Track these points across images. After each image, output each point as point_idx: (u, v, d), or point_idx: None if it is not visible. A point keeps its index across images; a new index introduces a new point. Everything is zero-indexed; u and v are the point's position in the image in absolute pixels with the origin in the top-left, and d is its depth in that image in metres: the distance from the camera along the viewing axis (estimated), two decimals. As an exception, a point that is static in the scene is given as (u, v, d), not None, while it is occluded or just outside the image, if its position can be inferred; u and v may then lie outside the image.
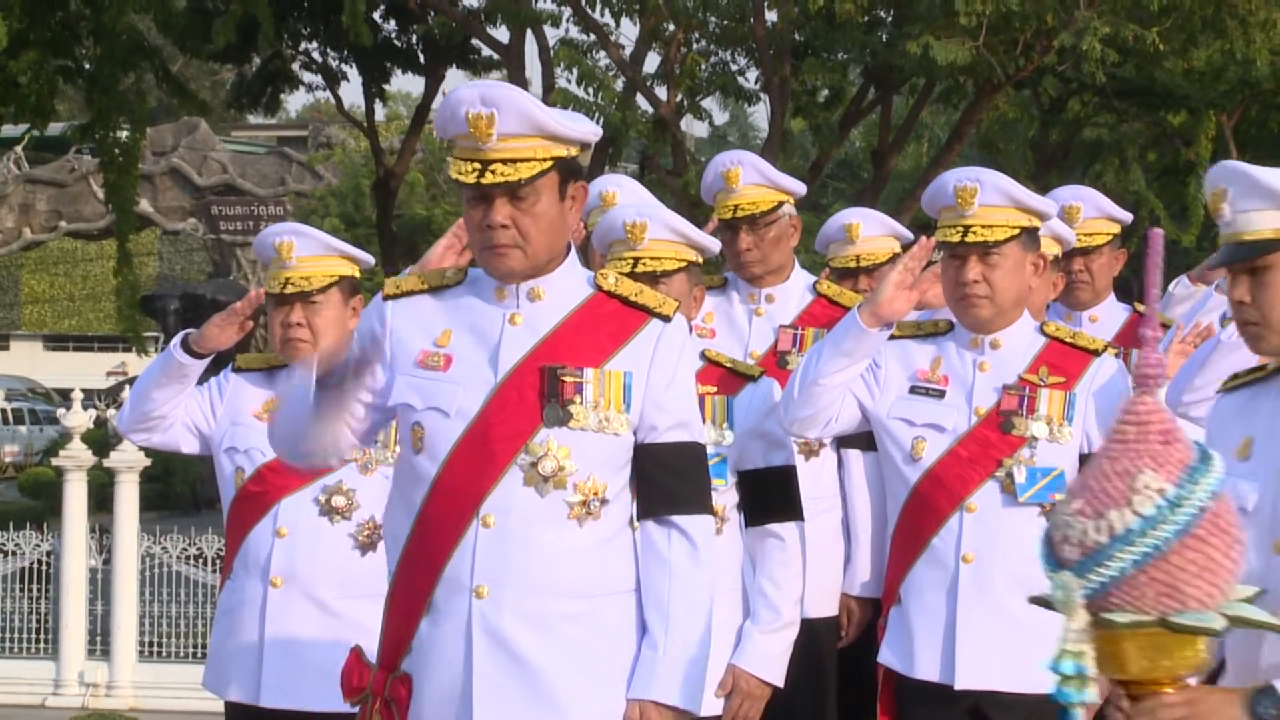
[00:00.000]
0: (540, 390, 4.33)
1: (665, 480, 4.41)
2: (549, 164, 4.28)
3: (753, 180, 6.85)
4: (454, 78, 22.29)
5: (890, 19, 20.11)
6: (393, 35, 24.70)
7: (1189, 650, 3.65)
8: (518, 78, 21.59)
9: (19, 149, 35.29)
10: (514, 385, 4.35)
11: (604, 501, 4.41)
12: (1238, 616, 3.63)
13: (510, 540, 4.34)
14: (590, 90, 20.82)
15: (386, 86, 27.20)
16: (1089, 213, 7.27)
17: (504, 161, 4.24)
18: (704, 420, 5.67)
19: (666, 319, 4.48)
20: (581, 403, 4.31)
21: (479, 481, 4.35)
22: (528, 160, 4.25)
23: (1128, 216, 7.49)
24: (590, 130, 4.39)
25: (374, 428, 4.69)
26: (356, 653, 4.54)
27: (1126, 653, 3.64)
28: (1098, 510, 3.49)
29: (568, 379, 4.32)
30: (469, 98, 4.25)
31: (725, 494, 5.68)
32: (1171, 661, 3.67)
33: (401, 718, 4.37)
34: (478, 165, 4.27)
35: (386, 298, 4.54)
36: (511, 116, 4.22)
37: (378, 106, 27.29)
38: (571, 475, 4.34)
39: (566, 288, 4.45)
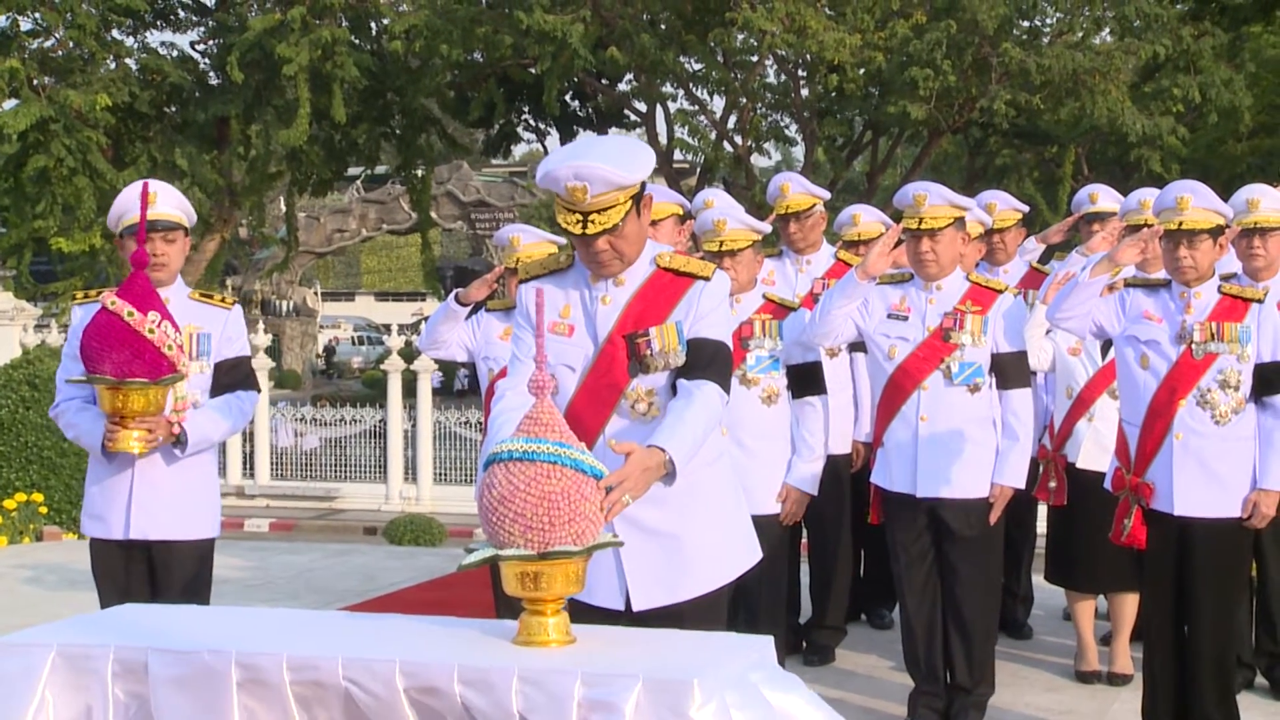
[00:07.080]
0: (626, 351, 3.74)
1: (696, 359, 3.75)
2: (628, 205, 3.67)
3: (798, 191, 6.78)
4: (614, 132, 22.32)
5: (879, 92, 19.96)
6: (576, 108, 24.58)
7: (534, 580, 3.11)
8: (652, 133, 21.58)
9: (358, 182, 35.48)
10: (608, 351, 3.78)
11: None
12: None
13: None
14: (695, 139, 20.83)
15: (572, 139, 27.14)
16: (1002, 207, 7.14)
17: (598, 212, 3.64)
18: (763, 335, 5.60)
19: (707, 279, 3.80)
20: (652, 354, 3.73)
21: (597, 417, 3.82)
22: (614, 207, 3.65)
23: (1025, 208, 7.38)
24: (649, 165, 3.73)
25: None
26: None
27: (508, 578, 3.16)
28: None
29: (640, 340, 3.74)
30: (565, 174, 3.62)
31: (778, 380, 5.59)
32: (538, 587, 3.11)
33: None
34: (579, 216, 3.65)
35: (521, 282, 3.94)
36: (598, 185, 3.60)
37: (568, 152, 27.19)
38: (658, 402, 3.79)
39: (640, 270, 3.80)
